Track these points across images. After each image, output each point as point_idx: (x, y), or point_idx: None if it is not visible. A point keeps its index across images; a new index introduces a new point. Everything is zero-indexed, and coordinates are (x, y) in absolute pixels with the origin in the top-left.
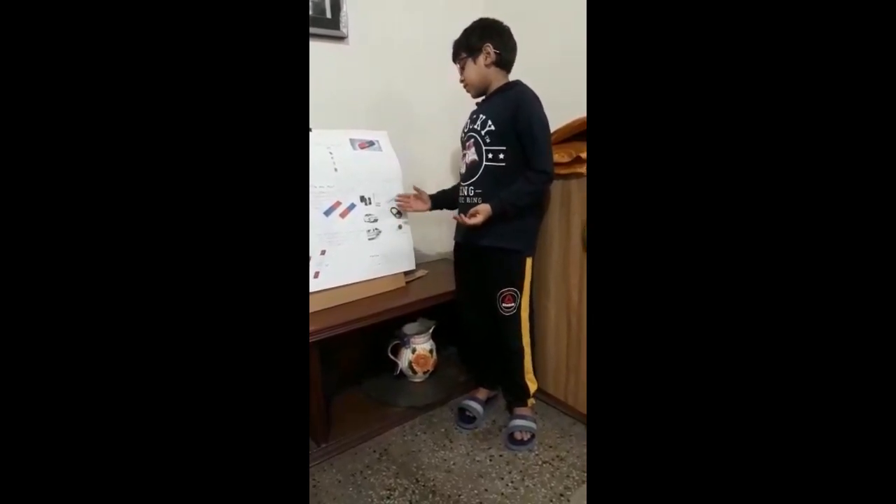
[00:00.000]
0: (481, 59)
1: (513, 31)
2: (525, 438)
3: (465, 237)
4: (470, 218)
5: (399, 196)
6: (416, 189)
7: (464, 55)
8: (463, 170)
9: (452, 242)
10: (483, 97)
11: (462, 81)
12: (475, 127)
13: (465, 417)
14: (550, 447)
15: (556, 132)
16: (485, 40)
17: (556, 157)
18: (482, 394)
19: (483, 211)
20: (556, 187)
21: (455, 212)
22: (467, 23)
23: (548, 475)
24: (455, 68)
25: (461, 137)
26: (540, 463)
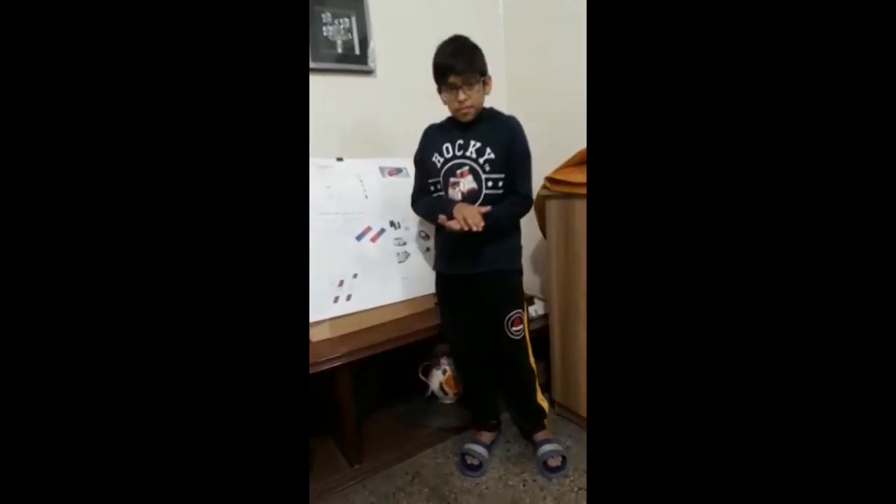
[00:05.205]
0: (488, 86)
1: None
2: (558, 464)
3: (454, 266)
4: (470, 222)
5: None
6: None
7: (478, 77)
8: (458, 199)
9: None
10: (451, 123)
11: (464, 101)
12: (468, 154)
13: (470, 465)
14: (586, 472)
15: (578, 153)
16: (486, 68)
17: (578, 177)
18: (486, 437)
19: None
20: (569, 204)
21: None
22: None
23: (584, 503)
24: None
25: (441, 165)
26: (576, 489)
